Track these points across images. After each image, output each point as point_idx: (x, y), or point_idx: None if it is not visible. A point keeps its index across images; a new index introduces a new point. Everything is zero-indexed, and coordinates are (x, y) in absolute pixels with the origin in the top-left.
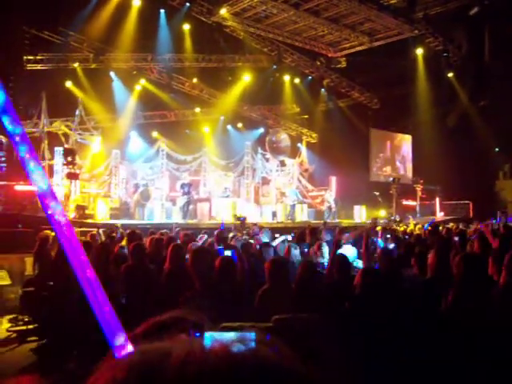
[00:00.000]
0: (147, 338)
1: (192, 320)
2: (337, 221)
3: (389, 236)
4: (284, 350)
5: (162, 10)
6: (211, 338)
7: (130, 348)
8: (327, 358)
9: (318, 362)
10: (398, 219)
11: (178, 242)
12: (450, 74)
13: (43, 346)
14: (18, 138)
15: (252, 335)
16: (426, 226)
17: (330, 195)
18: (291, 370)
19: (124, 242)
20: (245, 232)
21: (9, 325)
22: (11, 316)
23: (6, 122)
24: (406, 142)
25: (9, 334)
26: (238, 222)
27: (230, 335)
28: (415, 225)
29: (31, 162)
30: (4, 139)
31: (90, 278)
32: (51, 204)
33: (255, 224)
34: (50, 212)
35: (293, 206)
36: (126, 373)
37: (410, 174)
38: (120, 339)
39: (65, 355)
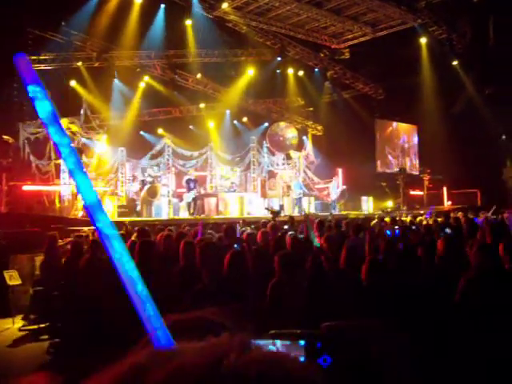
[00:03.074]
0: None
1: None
2: (337, 212)
3: (397, 227)
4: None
5: (163, 6)
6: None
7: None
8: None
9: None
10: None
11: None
12: (455, 62)
13: (56, 344)
14: (65, 150)
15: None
16: (427, 214)
17: (333, 186)
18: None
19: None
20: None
21: (21, 324)
22: (23, 315)
23: (53, 132)
24: (405, 132)
25: (21, 332)
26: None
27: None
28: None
29: (79, 175)
30: (11, 140)
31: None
32: (100, 217)
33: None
34: (99, 225)
35: (298, 200)
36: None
37: (409, 165)
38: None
39: (78, 353)
